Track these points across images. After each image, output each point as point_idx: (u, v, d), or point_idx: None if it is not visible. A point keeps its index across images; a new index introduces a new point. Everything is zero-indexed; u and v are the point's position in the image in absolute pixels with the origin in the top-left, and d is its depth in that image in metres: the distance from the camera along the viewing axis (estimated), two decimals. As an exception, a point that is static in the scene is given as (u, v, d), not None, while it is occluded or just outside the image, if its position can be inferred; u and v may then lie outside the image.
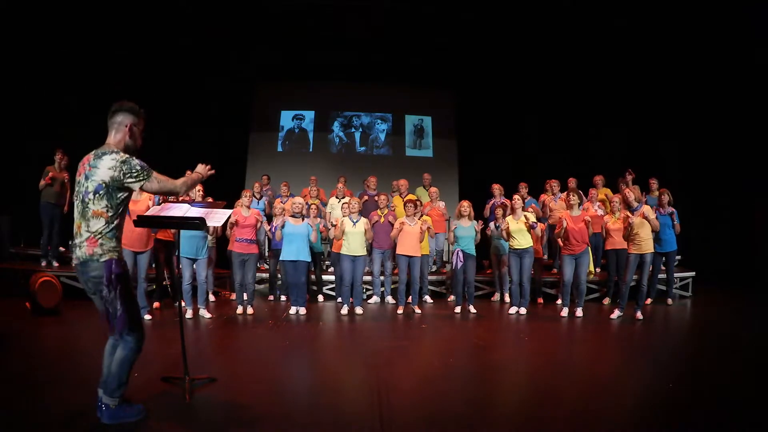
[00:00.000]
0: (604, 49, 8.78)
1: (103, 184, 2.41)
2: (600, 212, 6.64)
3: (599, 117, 9.45)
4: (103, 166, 2.42)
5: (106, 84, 7.84)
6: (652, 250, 5.66)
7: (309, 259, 5.88)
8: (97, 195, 2.42)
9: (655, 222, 5.61)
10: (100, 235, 2.43)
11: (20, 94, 7.70)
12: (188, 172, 6.44)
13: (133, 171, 2.44)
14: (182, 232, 5.12)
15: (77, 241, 2.47)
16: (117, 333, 2.48)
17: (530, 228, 5.93)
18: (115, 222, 2.48)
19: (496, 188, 7.41)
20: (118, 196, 2.47)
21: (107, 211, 2.43)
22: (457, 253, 5.98)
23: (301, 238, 5.78)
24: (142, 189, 2.52)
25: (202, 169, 2.92)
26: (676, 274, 7.20)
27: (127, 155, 2.48)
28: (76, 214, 2.49)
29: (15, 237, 7.53)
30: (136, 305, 2.64)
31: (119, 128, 2.56)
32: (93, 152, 2.51)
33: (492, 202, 7.33)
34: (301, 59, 9.96)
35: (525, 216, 5.94)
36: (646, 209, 5.63)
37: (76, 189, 2.50)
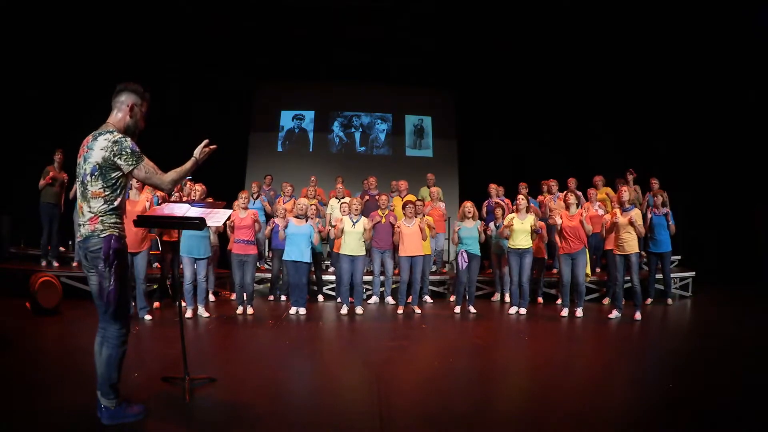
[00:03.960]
0: (605, 49, 8.78)
1: (97, 166, 2.44)
2: (600, 212, 6.65)
3: (600, 117, 9.45)
4: (97, 147, 2.44)
5: (105, 84, 7.82)
6: (637, 251, 5.67)
7: (310, 261, 5.90)
8: (93, 176, 2.45)
9: (640, 229, 5.60)
10: (101, 214, 2.46)
11: (21, 94, 7.69)
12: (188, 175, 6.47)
13: (123, 153, 2.45)
14: (184, 231, 5.13)
15: (81, 221, 2.51)
16: (110, 308, 2.46)
17: (534, 232, 5.96)
18: (116, 203, 2.50)
19: (493, 188, 7.43)
20: (113, 176, 2.47)
21: (104, 191, 2.46)
22: (462, 254, 5.98)
23: (303, 238, 5.79)
24: (130, 174, 2.51)
25: (197, 151, 2.73)
26: (676, 274, 7.21)
27: (120, 135, 2.47)
28: (78, 195, 2.53)
29: (15, 237, 7.53)
30: (128, 295, 2.63)
31: (121, 107, 2.57)
32: (92, 133, 2.52)
33: (488, 202, 7.34)
34: (301, 59, 9.96)
35: (532, 222, 5.95)
36: (635, 214, 5.62)
37: (77, 170, 2.52)
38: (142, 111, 2.63)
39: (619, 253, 5.72)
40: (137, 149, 2.49)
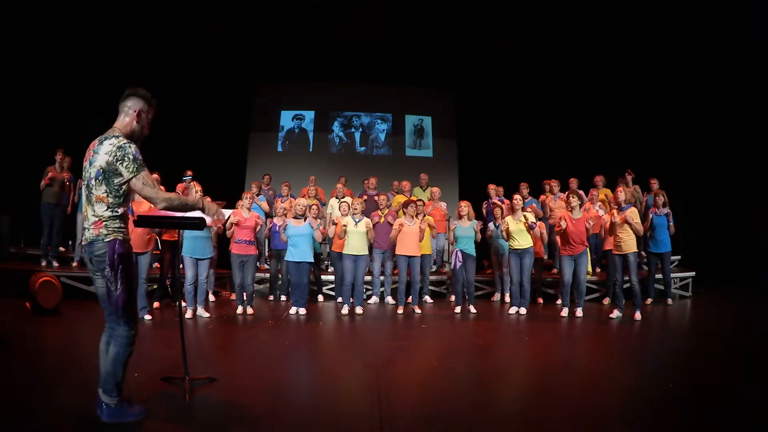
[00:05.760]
0: (605, 48, 8.78)
1: (101, 170, 2.44)
2: (601, 212, 6.65)
3: (601, 116, 9.44)
4: (102, 152, 2.45)
5: (105, 85, 7.83)
6: (635, 250, 5.65)
7: (312, 260, 5.90)
8: (97, 180, 2.45)
9: (637, 227, 5.57)
10: (105, 219, 2.47)
11: (22, 94, 7.69)
12: (189, 174, 6.47)
13: (125, 160, 2.44)
14: (187, 231, 5.13)
15: (86, 224, 2.52)
16: (118, 312, 2.48)
17: (530, 228, 5.94)
18: (120, 210, 2.50)
19: (492, 188, 7.45)
20: (116, 181, 2.46)
21: (107, 196, 2.46)
22: (456, 254, 5.99)
23: (305, 239, 5.79)
24: (128, 182, 2.48)
25: (210, 211, 2.72)
26: (676, 274, 7.21)
27: (126, 141, 2.47)
28: (83, 199, 2.55)
29: (15, 237, 7.52)
30: (135, 296, 2.64)
31: (128, 112, 2.58)
32: (99, 138, 2.53)
33: (488, 202, 7.34)
34: (301, 59, 9.96)
35: (524, 216, 5.95)
36: (630, 213, 5.61)
37: (83, 174, 2.53)
38: (148, 117, 2.64)
39: (616, 252, 5.73)
40: (140, 157, 2.47)
